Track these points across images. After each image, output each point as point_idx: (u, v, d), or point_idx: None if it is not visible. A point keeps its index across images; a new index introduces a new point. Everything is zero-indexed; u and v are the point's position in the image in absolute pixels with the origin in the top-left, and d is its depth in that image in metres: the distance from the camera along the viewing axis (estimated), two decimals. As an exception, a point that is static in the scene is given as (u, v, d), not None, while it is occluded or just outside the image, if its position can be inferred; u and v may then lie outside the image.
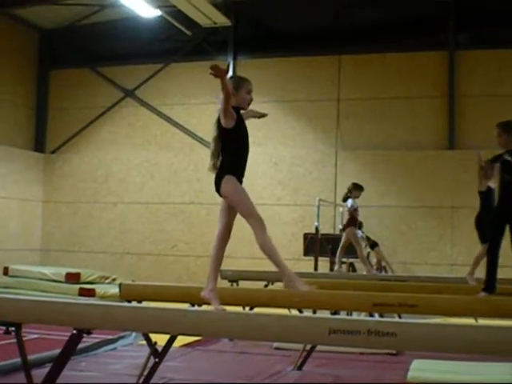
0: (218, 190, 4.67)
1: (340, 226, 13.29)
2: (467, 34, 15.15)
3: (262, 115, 5.15)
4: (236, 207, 4.64)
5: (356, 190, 10.78)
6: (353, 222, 10.69)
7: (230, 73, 15.88)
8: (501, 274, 6.55)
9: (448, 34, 14.78)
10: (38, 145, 17.25)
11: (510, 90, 14.20)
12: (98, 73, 17.02)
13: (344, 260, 12.88)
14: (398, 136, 14.81)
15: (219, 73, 4.40)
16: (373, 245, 13.04)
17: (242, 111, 4.80)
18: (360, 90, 15.03)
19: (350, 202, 10.68)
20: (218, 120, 4.72)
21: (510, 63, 14.32)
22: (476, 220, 8.77)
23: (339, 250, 11.01)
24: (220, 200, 4.74)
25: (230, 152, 4.72)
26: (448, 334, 3.81)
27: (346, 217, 10.85)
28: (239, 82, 4.79)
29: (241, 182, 4.73)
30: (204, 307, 5.03)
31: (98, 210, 16.55)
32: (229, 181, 4.63)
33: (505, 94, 14.15)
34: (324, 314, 6.37)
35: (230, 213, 4.71)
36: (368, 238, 12.76)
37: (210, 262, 4.71)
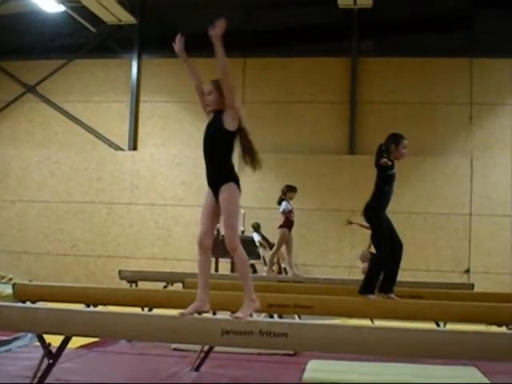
0: (216, 196, 4.73)
1: (242, 228, 13.39)
2: (370, 42, 15.58)
3: None
4: (224, 215, 4.74)
5: (290, 191, 10.84)
6: (287, 223, 10.72)
7: (135, 71, 15.76)
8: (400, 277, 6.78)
9: (352, 41, 15.13)
10: None
11: (405, 97, 14.70)
12: (-2, 66, 16.59)
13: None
14: (301, 140, 15.07)
15: (219, 30, 4.53)
16: (272, 246, 13.17)
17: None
18: (264, 93, 15.18)
19: (284, 204, 10.74)
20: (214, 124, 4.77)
21: (406, 71, 14.83)
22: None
23: (287, 255, 11.17)
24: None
25: (229, 157, 4.76)
26: (338, 335, 3.92)
27: (282, 219, 10.84)
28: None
29: (239, 186, 4.78)
30: (99, 308, 4.98)
31: (-5, 207, 16.12)
32: (231, 189, 4.68)
33: (400, 101, 14.65)
34: (223, 315, 6.39)
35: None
36: (267, 240, 12.90)
37: (242, 275, 4.76)
